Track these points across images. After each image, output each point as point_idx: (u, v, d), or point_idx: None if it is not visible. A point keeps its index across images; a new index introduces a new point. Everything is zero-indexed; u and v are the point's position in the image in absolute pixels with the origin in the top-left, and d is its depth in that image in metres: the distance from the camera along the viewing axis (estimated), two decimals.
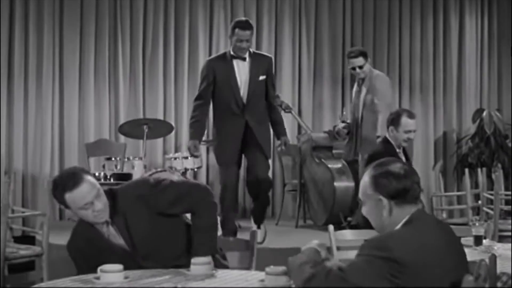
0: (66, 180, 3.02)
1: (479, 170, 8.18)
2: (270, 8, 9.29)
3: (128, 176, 6.60)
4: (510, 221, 6.91)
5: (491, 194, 7.07)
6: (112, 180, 6.47)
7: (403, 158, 5.24)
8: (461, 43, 10.18)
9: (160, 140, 8.58)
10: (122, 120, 8.26)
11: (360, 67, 6.53)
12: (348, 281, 2.29)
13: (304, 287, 2.34)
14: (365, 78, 6.62)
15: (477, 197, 7.69)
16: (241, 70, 5.90)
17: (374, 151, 5.31)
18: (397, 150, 5.27)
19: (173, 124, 8.10)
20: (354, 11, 9.69)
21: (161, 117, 8.54)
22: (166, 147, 8.76)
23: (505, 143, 9.55)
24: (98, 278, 2.78)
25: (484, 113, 9.55)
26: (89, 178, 3.05)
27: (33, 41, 8.22)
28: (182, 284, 2.65)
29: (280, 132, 6.27)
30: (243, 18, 6.47)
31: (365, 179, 2.51)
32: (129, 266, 2.94)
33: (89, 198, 2.99)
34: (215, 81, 5.92)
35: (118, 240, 3.16)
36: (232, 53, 5.90)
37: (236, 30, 5.74)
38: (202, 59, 8.93)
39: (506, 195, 7.94)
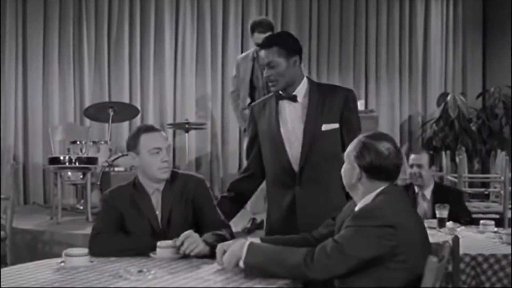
0: (145, 125, 3.31)
1: (443, 153, 8.30)
2: None
3: (93, 160, 6.54)
4: (472, 203, 7.02)
5: (455, 177, 7.17)
6: (77, 163, 6.39)
7: (424, 203, 4.81)
8: (426, 28, 10.25)
9: (125, 124, 8.52)
10: (87, 104, 8.18)
11: None
12: (346, 254, 2.37)
13: (301, 270, 2.38)
14: None
15: (441, 180, 7.79)
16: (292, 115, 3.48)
17: None
18: (416, 191, 4.84)
19: (139, 107, 8.04)
20: None
21: (126, 101, 8.47)
22: (132, 131, 8.68)
23: (469, 127, 9.67)
24: (63, 262, 2.76)
25: (449, 97, 9.65)
26: (164, 134, 3.29)
27: None
28: (147, 268, 2.65)
29: None
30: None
31: (357, 140, 2.61)
32: (149, 237, 3.05)
33: (161, 144, 3.18)
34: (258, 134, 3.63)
35: (155, 210, 3.21)
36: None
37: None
38: (168, 43, 8.89)
39: (470, 177, 8.07)
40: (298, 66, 3.40)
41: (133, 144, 3.20)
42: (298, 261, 2.39)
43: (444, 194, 4.80)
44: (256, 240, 2.76)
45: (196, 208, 3.21)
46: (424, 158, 4.87)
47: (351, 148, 2.62)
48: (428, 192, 4.85)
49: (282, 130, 3.42)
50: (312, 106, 3.39)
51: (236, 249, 2.53)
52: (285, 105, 3.45)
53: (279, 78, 3.36)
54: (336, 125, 3.40)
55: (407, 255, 2.38)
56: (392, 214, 2.40)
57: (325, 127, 3.38)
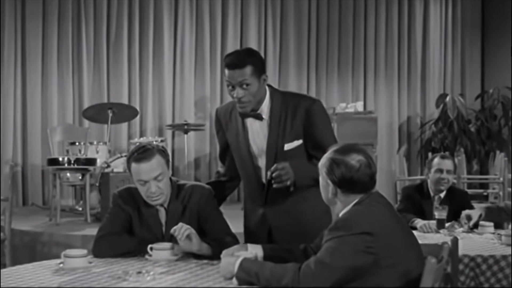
0: (136, 152, 3.09)
1: None
2: None
3: (92, 161, 6.53)
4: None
5: (454, 178, 7.16)
6: (76, 165, 6.39)
7: (434, 204, 4.61)
8: (425, 29, 10.27)
9: (124, 125, 8.52)
10: (86, 105, 8.18)
11: None
12: (329, 266, 2.35)
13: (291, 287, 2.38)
14: None
15: None
16: (258, 133, 3.32)
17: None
18: (431, 194, 4.72)
19: (138, 108, 8.04)
20: None
21: (125, 102, 8.47)
22: (131, 132, 8.70)
23: (468, 128, 9.68)
24: (62, 263, 2.76)
25: (448, 98, 9.66)
26: (160, 158, 3.09)
27: None
28: (146, 269, 2.65)
29: None
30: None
31: (326, 157, 2.60)
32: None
33: (147, 177, 3.04)
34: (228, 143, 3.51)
35: (161, 225, 3.19)
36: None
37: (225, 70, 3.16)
38: (167, 44, 8.89)
39: (469, 179, 8.07)
40: (265, 84, 3.20)
41: (128, 167, 3.16)
42: (287, 281, 2.38)
43: (453, 195, 4.76)
44: (258, 248, 2.77)
45: (200, 219, 3.20)
46: (452, 164, 4.78)
47: (321, 163, 2.61)
48: (442, 195, 4.74)
49: (251, 148, 3.30)
50: (274, 126, 3.23)
51: (229, 264, 2.53)
52: (251, 122, 3.28)
53: (252, 99, 3.14)
54: (300, 142, 3.23)
55: (392, 259, 2.36)
56: (367, 222, 2.39)
57: (287, 146, 3.22)
